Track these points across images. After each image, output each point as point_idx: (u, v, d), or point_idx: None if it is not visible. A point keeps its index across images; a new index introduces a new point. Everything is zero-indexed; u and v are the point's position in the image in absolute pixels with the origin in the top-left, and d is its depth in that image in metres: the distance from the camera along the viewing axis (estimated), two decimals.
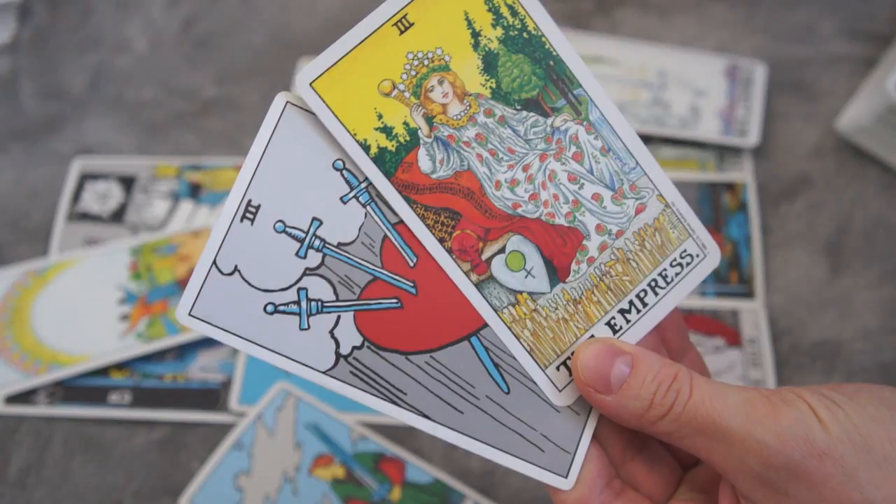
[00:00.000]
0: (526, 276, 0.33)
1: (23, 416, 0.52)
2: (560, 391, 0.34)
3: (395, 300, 0.32)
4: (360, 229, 0.32)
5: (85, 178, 0.60)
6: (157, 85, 0.65)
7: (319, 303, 0.32)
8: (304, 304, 0.32)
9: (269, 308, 0.31)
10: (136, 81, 0.65)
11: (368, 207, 0.32)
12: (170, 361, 0.53)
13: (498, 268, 0.33)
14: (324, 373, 0.32)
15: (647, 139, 0.60)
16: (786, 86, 0.62)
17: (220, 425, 0.51)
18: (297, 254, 0.32)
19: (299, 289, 0.32)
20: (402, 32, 0.31)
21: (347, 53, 0.31)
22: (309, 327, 0.32)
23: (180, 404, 0.52)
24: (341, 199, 0.32)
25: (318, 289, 0.32)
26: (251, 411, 0.50)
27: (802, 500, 0.28)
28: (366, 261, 0.32)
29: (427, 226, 0.32)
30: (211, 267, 0.31)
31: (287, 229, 0.31)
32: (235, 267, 0.31)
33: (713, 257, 0.35)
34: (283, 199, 0.31)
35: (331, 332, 0.32)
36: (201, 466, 0.49)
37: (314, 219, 0.32)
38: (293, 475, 0.48)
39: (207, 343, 0.53)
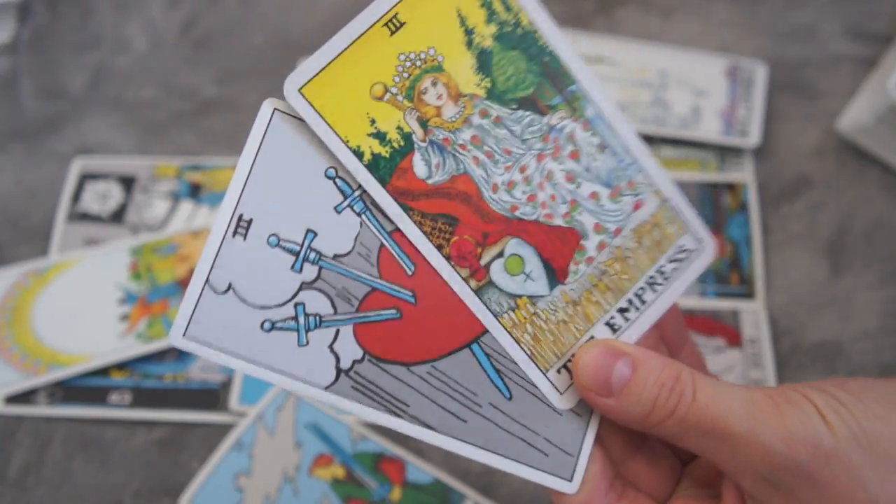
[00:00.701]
0: (525, 280, 0.33)
1: (23, 416, 0.52)
2: (562, 394, 0.33)
3: (394, 311, 0.32)
4: (355, 239, 0.31)
5: (85, 178, 0.60)
6: (157, 85, 0.65)
7: (318, 317, 0.31)
8: (301, 319, 0.31)
9: (267, 325, 0.31)
10: (136, 81, 0.65)
11: (363, 216, 0.31)
12: (170, 361, 0.53)
13: (497, 272, 0.33)
14: (325, 389, 0.31)
15: (648, 139, 0.60)
16: (787, 86, 0.62)
17: (220, 425, 0.51)
18: (292, 268, 0.31)
19: (296, 304, 0.31)
20: (392, 33, 0.31)
21: (337, 57, 0.30)
22: (308, 343, 0.31)
23: (180, 404, 0.52)
24: (335, 208, 0.31)
25: (316, 303, 0.31)
26: (251, 411, 0.50)
27: (808, 500, 0.28)
28: (363, 272, 0.32)
29: (424, 233, 0.32)
30: (204, 286, 0.30)
31: (281, 243, 0.31)
32: (229, 284, 0.31)
33: (709, 251, 0.35)
34: (275, 211, 0.31)
35: (330, 346, 0.31)
36: (201, 466, 0.49)
37: (308, 230, 0.31)
38: (293, 475, 0.48)
39: None
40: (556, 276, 0.33)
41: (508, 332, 0.33)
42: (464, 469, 0.49)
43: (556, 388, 0.33)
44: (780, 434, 0.28)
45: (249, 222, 0.31)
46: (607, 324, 0.34)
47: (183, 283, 0.55)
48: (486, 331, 0.33)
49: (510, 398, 0.33)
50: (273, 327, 0.31)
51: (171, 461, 0.50)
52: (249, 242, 0.31)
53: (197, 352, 0.30)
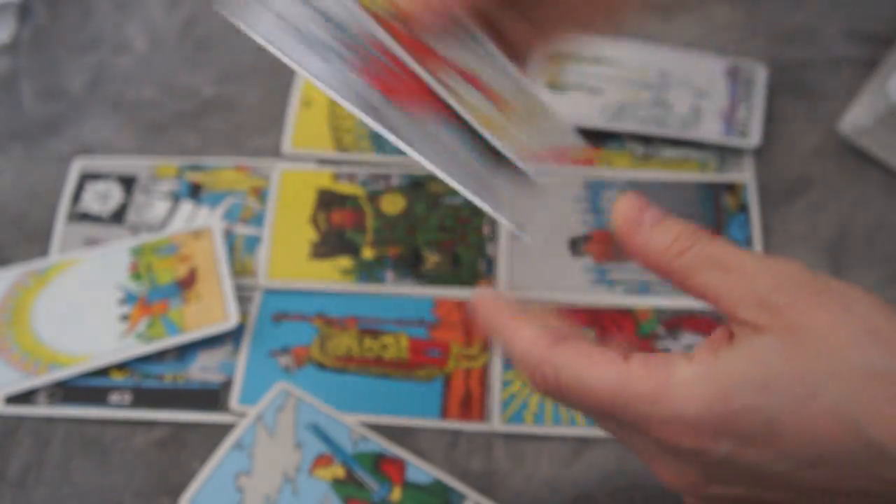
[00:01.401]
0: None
1: (22, 416, 0.52)
2: (527, 163, 0.40)
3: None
4: None
5: (85, 178, 0.60)
6: (157, 85, 0.65)
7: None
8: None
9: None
10: (136, 81, 0.65)
11: None
12: (170, 362, 0.53)
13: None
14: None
15: (649, 140, 0.60)
16: (787, 87, 0.62)
17: (220, 425, 0.51)
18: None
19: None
20: None
21: None
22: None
23: (180, 404, 0.52)
24: None
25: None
26: (251, 411, 0.50)
27: (797, 320, 0.30)
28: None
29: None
30: None
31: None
32: None
33: None
34: None
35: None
36: (201, 467, 0.49)
37: None
38: (293, 475, 0.48)
39: (208, 343, 0.53)
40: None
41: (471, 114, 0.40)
42: (464, 469, 0.49)
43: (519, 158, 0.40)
44: (789, 267, 0.32)
45: None
46: None
47: (183, 284, 0.54)
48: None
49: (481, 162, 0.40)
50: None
51: (172, 461, 0.50)
52: None
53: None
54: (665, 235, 0.34)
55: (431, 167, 0.38)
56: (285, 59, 0.38)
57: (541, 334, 0.34)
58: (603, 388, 0.32)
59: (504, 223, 0.39)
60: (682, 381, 0.31)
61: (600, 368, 0.32)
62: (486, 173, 0.40)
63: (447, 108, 0.39)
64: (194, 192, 0.59)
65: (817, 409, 0.29)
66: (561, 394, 0.34)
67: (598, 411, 0.33)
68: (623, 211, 0.35)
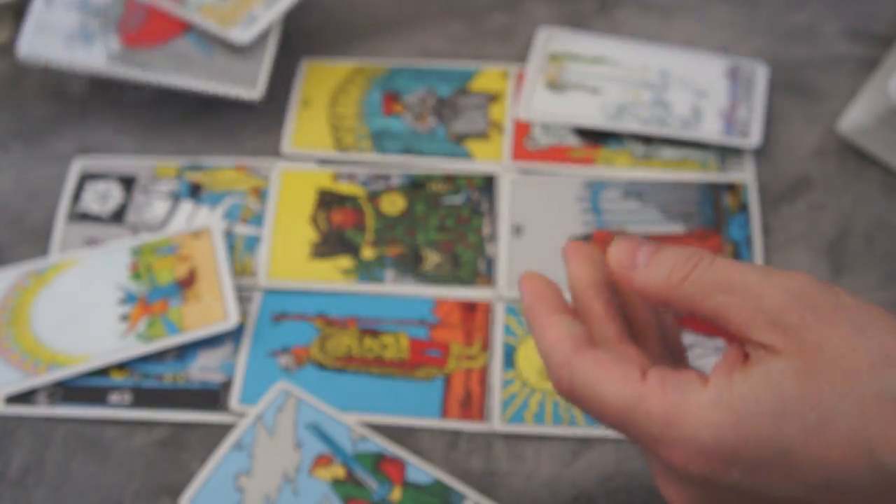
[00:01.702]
0: None
1: (22, 416, 0.52)
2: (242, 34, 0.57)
3: None
4: None
5: (85, 178, 0.60)
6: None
7: None
8: None
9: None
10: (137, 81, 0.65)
11: None
12: (170, 362, 0.53)
13: None
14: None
15: (649, 140, 0.60)
16: (787, 87, 0.62)
17: (220, 426, 0.51)
18: None
19: None
20: None
21: None
22: None
23: (180, 404, 0.52)
24: None
25: None
26: (251, 412, 0.50)
27: (812, 339, 0.30)
28: None
29: None
30: None
31: None
32: None
33: None
34: None
35: None
36: (201, 467, 0.49)
37: None
38: (293, 475, 0.48)
39: (208, 343, 0.53)
40: None
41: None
42: (464, 469, 0.49)
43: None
44: (796, 282, 0.31)
45: None
46: None
47: (183, 284, 0.55)
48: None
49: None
50: None
51: (171, 461, 0.50)
52: None
53: None
54: (661, 268, 0.33)
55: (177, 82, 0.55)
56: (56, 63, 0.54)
57: (566, 336, 0.34)
58: (617, 402, 0.32)
59: (237, 94, 0.50)
60: (696, 405, 0.31)
61: (616, 383, 0.32)
62: (217, 60, 0.55)
63: (181, 22, 0.56)
64: (194, 191, 0.59)
65: (831, 435, 0.29)
66: (574, 399, 0.34)
67: (609, 422, 0.33)
68: (616, 258, 0.35)
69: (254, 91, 0.55)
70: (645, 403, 0.31)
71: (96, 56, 0.58)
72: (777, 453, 0.29)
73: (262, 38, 0.59)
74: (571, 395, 0.33)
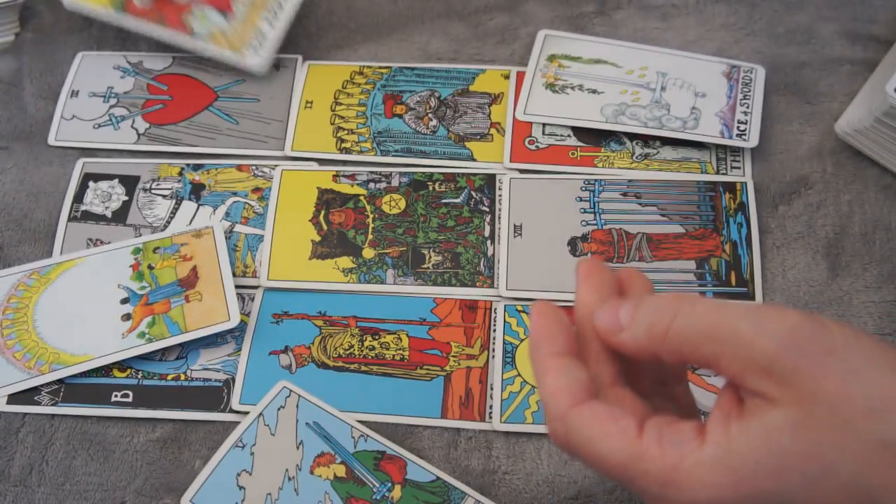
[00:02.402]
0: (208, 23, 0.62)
1: (25, 414, 0.52)
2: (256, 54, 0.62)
3: None
4: None
5: (88, 178, 0.61)
6: None
7: None
8: None
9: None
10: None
11: None
12: (172, 361, 0.53)
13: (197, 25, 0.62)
14: None
15: (648, 140, 0.60)
16: (785, 88, 0.63)
17: (221, 424, 0.51)
18: None
19: None
20: None
21: None
22: None
23: (182, 403, 0.52)
24: None
25: None
26: (253, 410, 0.50)
27: (805, 389, 0.29)
28: None
29: None
30: None
31: None
32: None
33: None
34: None
35: None
36: (203, 465, 0.49)
37: None
38: (294, 474, 0.48)
39: (210, 342, 0.54)
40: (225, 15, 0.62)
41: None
42: (464, 468, 0.49)
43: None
44: (785, 325, 0.30)
45: None
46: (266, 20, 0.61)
47: (185, 283, 0.55)
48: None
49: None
50: None
51: (173, 460, 0.50)
52: None
53: None
54: (643, 325, 0.33)
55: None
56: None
57: (563, 388, 0.33)
58: (613, 460, 0.32)
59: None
60: (693, 466, 0.30)
61: (612, 440, 0.32)
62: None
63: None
64: (196, 192, 0.60)
65: (833, 485, 0.29)
66: (571, 452, 0.33)
67: (607, 477, 0.33)
68: (602, 325, 0.34)
69: (283, 143, 0.62)
70: (643, 463, 0.31)
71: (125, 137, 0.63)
72: None
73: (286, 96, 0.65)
74: (567, 448, 0.33)
